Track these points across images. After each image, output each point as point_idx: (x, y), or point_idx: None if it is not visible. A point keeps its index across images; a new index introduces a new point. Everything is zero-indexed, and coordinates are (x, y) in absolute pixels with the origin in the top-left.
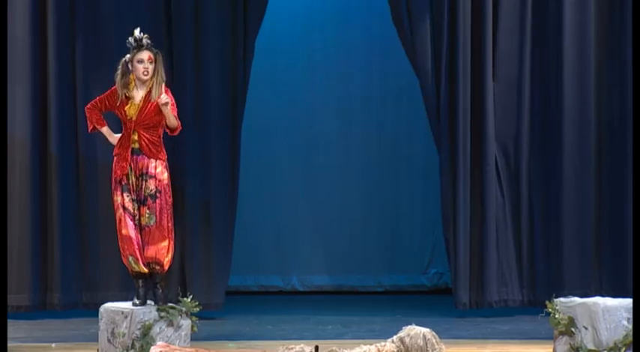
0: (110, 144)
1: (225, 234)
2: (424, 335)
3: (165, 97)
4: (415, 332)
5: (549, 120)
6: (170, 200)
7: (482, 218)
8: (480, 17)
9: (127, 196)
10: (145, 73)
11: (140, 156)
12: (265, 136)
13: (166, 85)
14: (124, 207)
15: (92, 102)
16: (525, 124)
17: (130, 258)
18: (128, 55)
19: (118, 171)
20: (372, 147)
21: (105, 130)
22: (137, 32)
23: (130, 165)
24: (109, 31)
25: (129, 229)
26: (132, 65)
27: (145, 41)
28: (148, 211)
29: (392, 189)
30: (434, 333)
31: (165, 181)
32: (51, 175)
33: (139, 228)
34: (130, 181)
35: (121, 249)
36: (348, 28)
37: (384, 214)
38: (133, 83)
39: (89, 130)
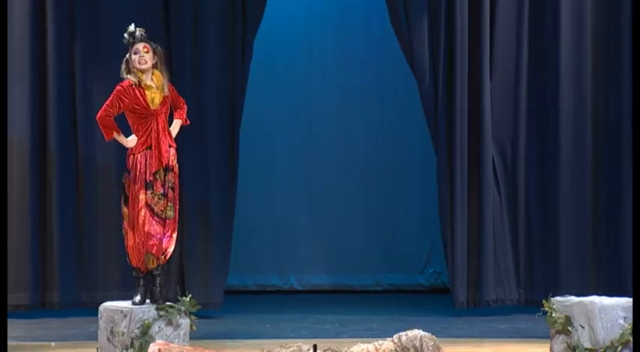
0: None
1: (223, 234)
2: (421, 338)
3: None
4: (414, 333)
5: (546, 120)
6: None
7: (479, 218)
8: (477, 18)
9: (151, 193)
10: (142, 61)
11: (167, 147)
12: (264, 136)
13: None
14: (147, 204)
15: (102, 110)
16: (522, 124)
17: (148, 255)
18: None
19: (162, 161)
20: (371, 147)
21: (122, 137)
22: (131, 27)
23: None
24: (109, 31)
25: (153, 225)
26: (131, 59)
27: (138, 33)
28: (169, 203)
29: (390, 189)
30: (434, 339)
31: (177, 172)
32: (50, 175)
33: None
34: (159, 176)
35: (134, 248)
36: (347, 29)
37: (382, 214)
38: (139, 75)
39: (107, 139)
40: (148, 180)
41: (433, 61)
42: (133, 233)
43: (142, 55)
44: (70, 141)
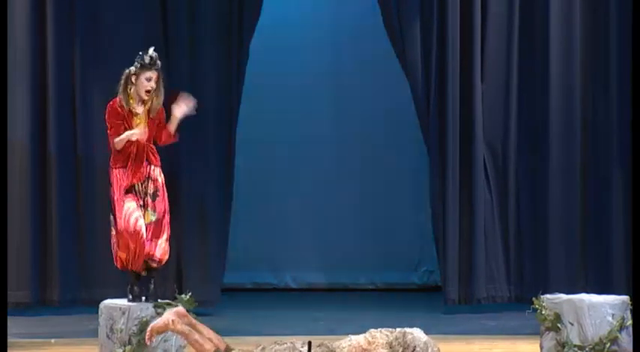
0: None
1: (220, 232)
2: (426, 342)
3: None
4: (418, 334)
5: (536, 121)
6: (166, 198)
7: (470, 217)
8: (468, 21)
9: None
10: (149, 92)
11: (146, 165)
12: (260, 135)
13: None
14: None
15: (112, 137)
16: (513, 125)
17: (145, 263)
18: (133, 68)
19: (133, 180)
20: (365, 147)
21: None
22: (152, 51)
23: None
24: (108, 32)
25: (145, 235)
26: (136, 79)
27: (158, 62)
28: (149, 209)
29: (384, 190)
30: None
31: (162, 183)
32: (50, 174)
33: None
34: (137, 189)
35: (136, 258)
36: (343, 32)
37: (376, 213)
38: (133, 98)
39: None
40: (130, 192)
41: (425, 64)
42: (123, 241)
43: (152, 85)
44: (69, 142)
